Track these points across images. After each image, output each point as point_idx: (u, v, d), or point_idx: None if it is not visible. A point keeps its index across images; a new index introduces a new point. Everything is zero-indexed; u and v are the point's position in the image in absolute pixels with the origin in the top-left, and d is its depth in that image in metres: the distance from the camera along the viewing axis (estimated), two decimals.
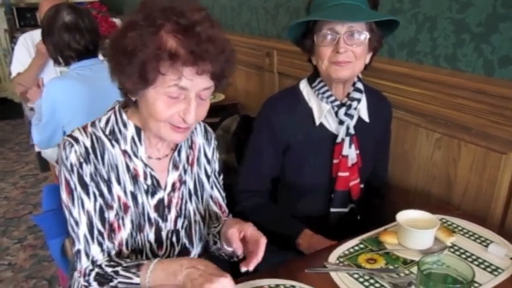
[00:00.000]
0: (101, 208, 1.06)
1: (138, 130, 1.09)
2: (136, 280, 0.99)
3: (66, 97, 1.85)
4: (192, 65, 0.93)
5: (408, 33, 1.63)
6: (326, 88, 1.37)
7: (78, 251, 1.05)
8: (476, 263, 1.14)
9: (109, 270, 1.03)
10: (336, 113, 1.38)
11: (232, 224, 1.07)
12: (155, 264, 0.99)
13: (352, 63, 1.28)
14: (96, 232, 1.06)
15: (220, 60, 0.97)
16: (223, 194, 1.31)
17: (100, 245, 1.06)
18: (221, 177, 1.32)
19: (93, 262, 1.05)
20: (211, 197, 1.28)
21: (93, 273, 1.04)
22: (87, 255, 1.05)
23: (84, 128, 1.08)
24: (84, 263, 1.05)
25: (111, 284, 1.02)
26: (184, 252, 1.21)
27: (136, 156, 1.10)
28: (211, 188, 1.27)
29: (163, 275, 0.97)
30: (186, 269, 0.94)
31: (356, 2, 1.25)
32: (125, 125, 1.09)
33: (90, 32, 1.92)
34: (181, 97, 0.97)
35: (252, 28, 2.73)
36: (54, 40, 1.89)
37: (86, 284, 1.05)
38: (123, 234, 1.09)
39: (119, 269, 1.02)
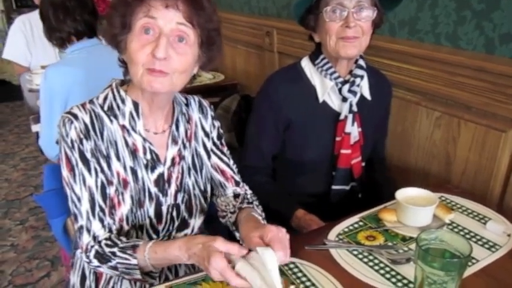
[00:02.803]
0: (102, 184, 1.07)
1: (135, 105, 1.10)
2: (133, 261, 1.00)
3: (63, 85, 1.81)
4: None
5: (409, 11, 1.62)
6: (330, 65, 1.37)
7: (81, 227, 1.06)
8: (474, 239, 1.15)
9: (107, 250, 1.03)
10: (340, 90, 1.38)
11: (250, 228, 1.04)
12: (152, 244, 1.00)
13: (360, 38, 1.29)
14: (97, 208, 1.06)
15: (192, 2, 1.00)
16: (228, 160, 1.29)
17: (101, 221, 1.07)
18: (223, 143, 1.31)
19: (94, 238, 1.06)
20: (211, 165, 1.27)
21: (93, 250, 1.05)
22: (89, 230, 1.06)
23: (83, 105, 1.09)
24: (85, 239, 1.06)
25: (110, 263, 1.03)
26: (184, 225, 1.22)
27: (134, 130, 1.10)
28: (209, 155, 1.27)
29: (162, 248, 0.99)
30: (182, 244, 0.96)
31: None
32: (123, 101, 1.10)
33: (80, 13, 1.86)
34: (155, 35, 0.99)
35: (251, 7, 2.70)
36: (46, 21, 1.86)
37: (87, 260, 1.06)
38: (123, 209, 1.10)
39: (115, 250, 1.03)
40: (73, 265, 1.26)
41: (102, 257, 1.04)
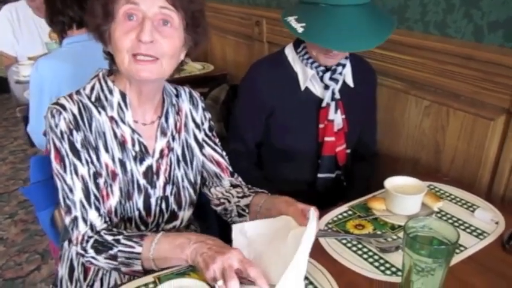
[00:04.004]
0: (94, 174, 1.06)
1: (123, 95, 1.09)
2: (138, 249, 0.98)
3: (53, 81, 1.79)
4: None
5: None
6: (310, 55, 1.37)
7: (75, 218, 1.03)
8: (462, 227, 1.15)
9: (109, 238, 1.02)
10: (321, 78, 1.38)
11: (281, 204, 1.06)
12: (160, 236, 0.99)
13: (341, 54, 1.32)
14: (92, 197, 1.05)
15: None
16: (221, 152, 1.30)
17: (97, 209, 1.05)
18: (215, 135, 1.30)
19: (92, 227, 1.04)
20: (205, 156, 1.27)
21: (91, 240, 1.02)
22: (85, 220, 1.03)
23: (70, 96, 1.07)
24: (82, 229, 1.03)
25: (111, 252, 1.00)
26: (173, 217, 1.21)
27: (123, 121, 1.09)
28: (202, 146, 1.26)
29: (169, 247, 0.97)
30: (194, 244, 0.94)
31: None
32: (110, 91, 1.08)
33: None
34: (139, 20, 0.97)
35: None
36: (50, 4, 1.83)
37: (82, 251, 1.03)
38: (112, 202, 1.09)
39: (120, 237, 1.01)
40: (61, 257, 1.25)
41: (102, 246, 1.01)
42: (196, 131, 1.24)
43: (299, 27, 1.22)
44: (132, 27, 0.97)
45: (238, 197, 1.21)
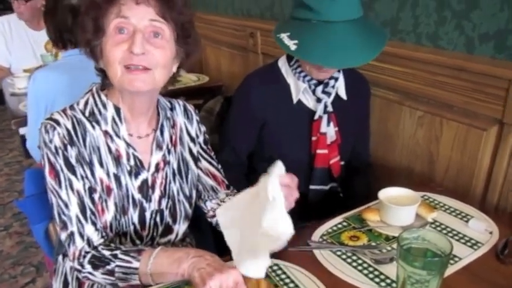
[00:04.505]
0: (90, 189, 1.05)
1: (117, 109, 1.09)
2: (135, 264, 0.98)
3: (50, 91, 1.79)
4: None
5: (391, 11, 1.63)
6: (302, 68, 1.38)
7: (71, 233, 1.02)
8: (456, 237, 1.16)
9: (107, 253, 1.01)
10: (314, 91, 1.39)
11: None
12: (158, 251, 0.99)
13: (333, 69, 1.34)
14: (88, 211, 1.04)
15: None
16: (217, 165, 1.30)
17: (94, 224, 1.05)
18: (210, 148, 1.31)
19: (89, 242, 1.03)
20: (201, 169, 1.27)
21: (88, 256, 1.02)
22: (82, 235, 1.03)
23: (64, 111, 1.07)
24: (79, 244, 1.02)
25: (108, 267, 1.00)
26: (168, 231, 1.21)
27: (118, 136, 1.09)
28: (199, 159, 1.26)
29: (166, 262, 0.96)
30: (193, 258, 0.94)
31: (348, 8, 1.22)
32: (104, 106, 1.08)
33: None
34: (129, 33, 0.98)
35: (235, 8, 2.70)
36: (56, 20, 1.83)
37: (79, 267, 1.02)
38: (107, 217, 1.08)
39: (117, 252, 1.01)
40: (55, 271, 1.24)
41: (99, 261, 1.01)
42: (191, 145, 1.25)
43: (292, 45, 1.23)
44: (122, 40, 0.98)
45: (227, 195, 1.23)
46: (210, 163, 1.28)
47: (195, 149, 1.25)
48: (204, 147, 1.28)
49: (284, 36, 1.26)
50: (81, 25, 1.02)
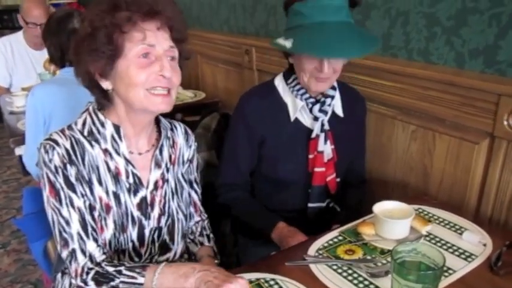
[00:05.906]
0: (90, 206, 1.07)
1: (116, 128, 1.11)
2: (140, 280, 0.99)
3: (49, 103, 1.82)
4: (150, 19, 1.02)
5: (382, 28, 1.66)
6: (300, 86, 1.40)
7: (73, 251, 1.03)
8: (451, 250, 1.17)
9: (111, 269, 1.02)
10: (311, 110, 1.40)
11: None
12: (163, 266, 1.00)
13: (331, 78, 1.35)
14: (90, 228, 1.05)
15: (175, 14, 1.07)
16: (199, 190, 1.35)
17: (95, 240, 1.06)
18: (199, 176, 1.36)
19: (91, 259, 1.04)
20: (189, 195, 1.30)
21: (92, 272, 1.02)
22: (84, 252, 1.04)
23: (62, 132, 1.09)
24: (81, 261, 1.03)
25: (112, 283, 1.01)
26: (166, 248, 1.22)
27: (118, 153, 1.11)
28: (190, 187, 1.31)
29: (172, 277, 0.97)
30: (199, 272, 0.95)
31: (340, 15, 1.25)
32: (102, 125, 1.10)
33: None
34: (152, 58, 1.03)
35: (230, 26, 2.74)
36: (59, 41, 1.89)
37: (82, 284, 1.03)
38: (106, 234, 1.09)
39: (121, 268, 1.02)
40: None
41: (103, 277, 1.02)
42: (183, 167, 1.29)
43: (287, 43, 1.26)
44: (147, 64, 1.03)
45: (194, 243, 1.33)
46: (195, 191, 1.34)
47: (186, 173, 1.29)
48: (197, 176, 1.34)
49: (279, 39, 1.30)
50: (91, 42, 1.01)
